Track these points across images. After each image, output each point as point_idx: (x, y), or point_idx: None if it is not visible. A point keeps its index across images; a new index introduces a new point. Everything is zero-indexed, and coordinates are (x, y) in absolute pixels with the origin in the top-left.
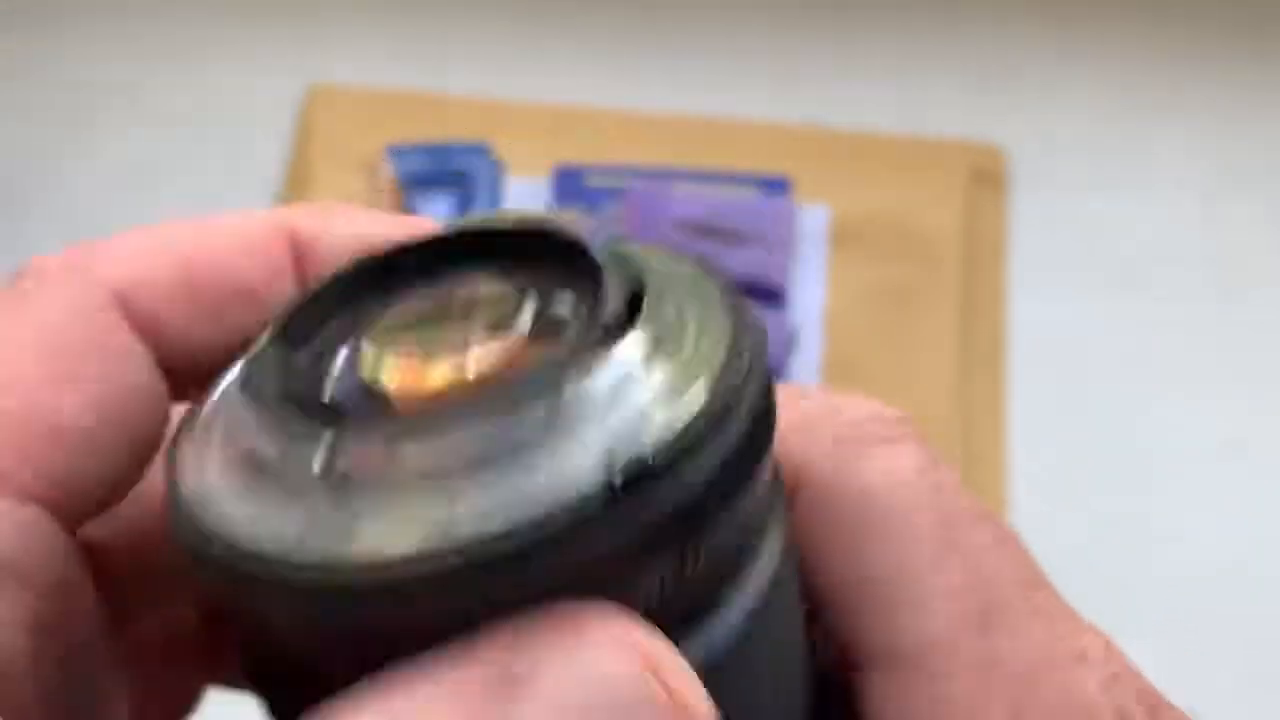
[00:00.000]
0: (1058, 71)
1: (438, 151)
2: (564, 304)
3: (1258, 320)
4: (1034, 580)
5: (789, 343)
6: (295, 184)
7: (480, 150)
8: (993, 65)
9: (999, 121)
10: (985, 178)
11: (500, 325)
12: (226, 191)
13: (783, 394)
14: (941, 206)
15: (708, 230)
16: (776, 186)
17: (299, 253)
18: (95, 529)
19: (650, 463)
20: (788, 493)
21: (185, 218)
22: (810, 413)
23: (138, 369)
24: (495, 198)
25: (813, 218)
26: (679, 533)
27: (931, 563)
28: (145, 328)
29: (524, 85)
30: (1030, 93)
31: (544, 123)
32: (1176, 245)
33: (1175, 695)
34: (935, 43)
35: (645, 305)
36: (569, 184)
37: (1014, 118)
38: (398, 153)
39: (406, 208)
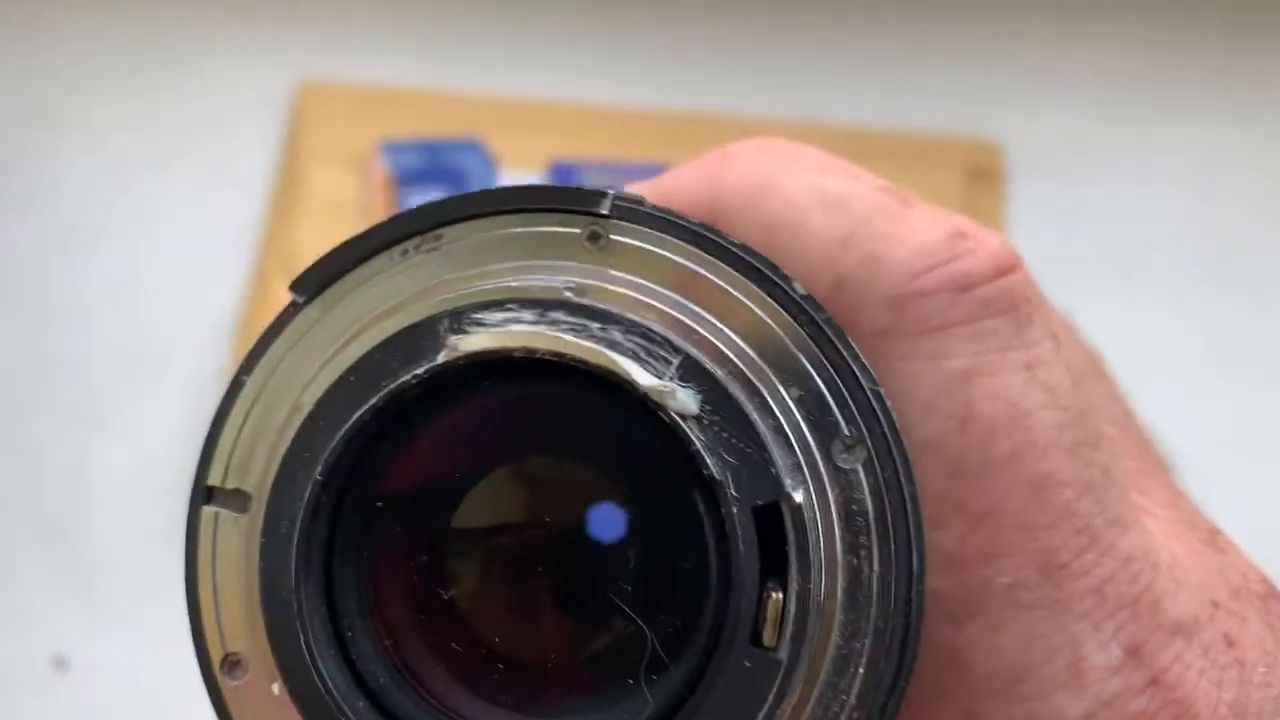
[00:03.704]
0: (1055, 68)
1: (431, 147)
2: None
3: (1256, 315)
4: (1064, 548)
5: None
6: (287, 180)
7: (473, 146)
8: (990, 62)
9: (996, 118)
10: (982, 173)
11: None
12: (219, 189)
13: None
14: (939, 202)
15: None
16: None
17: None
18: None
19: None
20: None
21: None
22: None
23: None
24: None
25: None
26: None
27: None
28: None
29: (517, 81)
30: (1027, 89)
31: (537, 118)
32: (1174, 240)
33: None
34: (932, 39)
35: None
36: (564, 181)
37: (1011, 114)
38: (390, 149)
39: (399, 203)
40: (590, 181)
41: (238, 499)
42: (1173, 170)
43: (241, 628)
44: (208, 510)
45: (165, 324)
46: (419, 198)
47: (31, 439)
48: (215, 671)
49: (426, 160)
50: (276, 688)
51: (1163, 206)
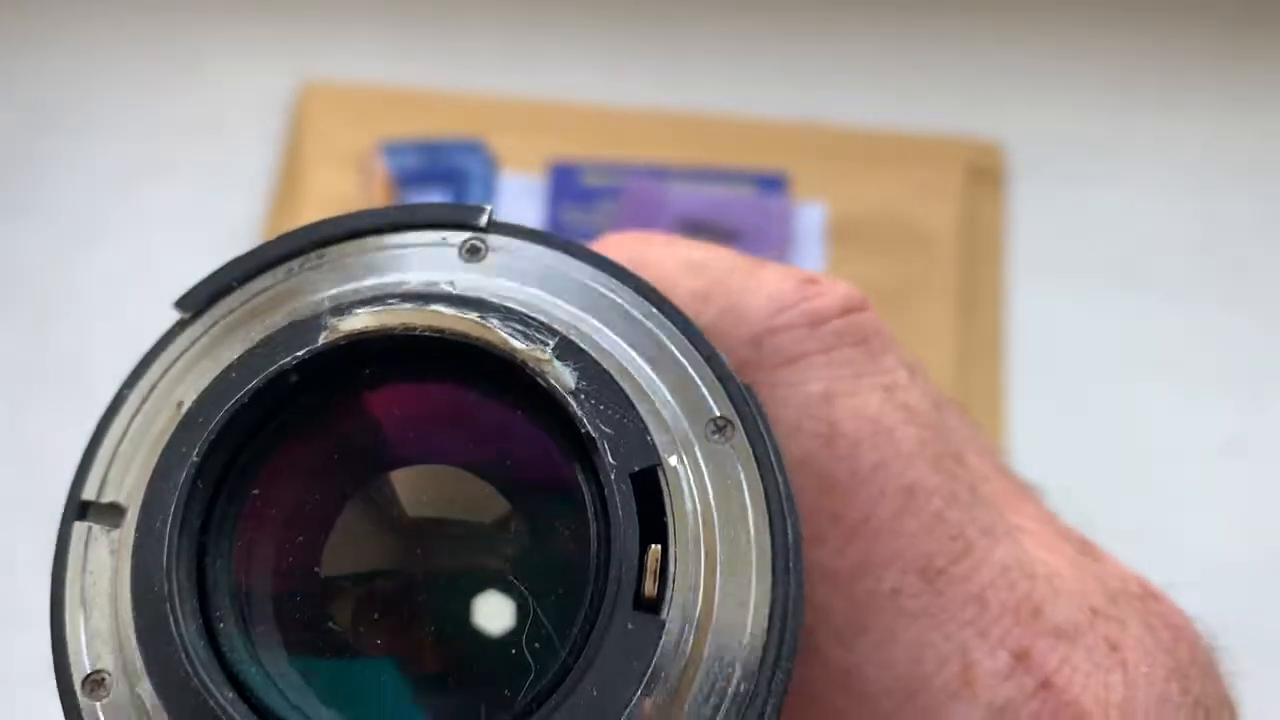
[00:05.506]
0: (1055, 68)
1: (431, 148)
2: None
3: (1255, 314)
4: (940, 553)
5: None
6: (288, 181)
7: (474, 147)
8: (990, 62)
9: (996, 118)
10: (982, 174)
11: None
12: (219, 190)
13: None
14: (939, 202)
15: (704, 227)
16: (773, 184)
17: None
18: None
19: None
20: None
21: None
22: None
23: None
24: (489, 194)
25: (810, 214)
26: None
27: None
28: None
29: (518, 81)
30: (1028, 89)
31: (538, 119)
32: (1174, 239)
33: None
34: (932, 39)
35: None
36: (565, 182)
37: (1011, 114)
38: (391, 149)
39: (399, 203)
40: (590, 181)
41: (111, 514)
42: (1174, 170)
43: (107, 646)
44: (79, 525)
45: (166, 324)
46: (420, 198)
47: (31, 439)
48: (75, 689)
49: (427, 161)
50: (145, 688)
51: (1163, 207)
